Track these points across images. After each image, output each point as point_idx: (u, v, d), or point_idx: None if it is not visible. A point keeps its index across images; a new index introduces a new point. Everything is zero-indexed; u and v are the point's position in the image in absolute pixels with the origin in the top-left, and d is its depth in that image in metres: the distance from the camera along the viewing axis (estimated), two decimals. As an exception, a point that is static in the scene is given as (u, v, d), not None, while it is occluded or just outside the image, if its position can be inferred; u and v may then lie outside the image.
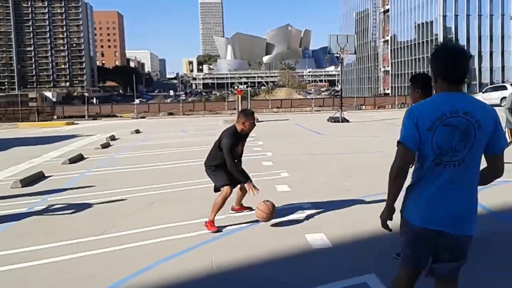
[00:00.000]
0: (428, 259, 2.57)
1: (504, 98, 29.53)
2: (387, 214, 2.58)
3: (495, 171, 2.53)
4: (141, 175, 9.27)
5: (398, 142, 2.47)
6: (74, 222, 6.00)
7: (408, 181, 2.55)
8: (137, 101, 74.90)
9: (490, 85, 43.26)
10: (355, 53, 23.56)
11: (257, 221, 5.53)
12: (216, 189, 5.63)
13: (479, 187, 2.52)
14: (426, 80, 4.30)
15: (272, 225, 5.46)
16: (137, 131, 19.29)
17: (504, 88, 31.21)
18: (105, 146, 14.17)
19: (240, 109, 23.79)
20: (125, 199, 7.06)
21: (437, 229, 2.45)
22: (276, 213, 5.52)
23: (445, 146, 2.39)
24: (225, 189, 5.45)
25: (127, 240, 5.13)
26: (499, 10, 59.08)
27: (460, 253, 2.53)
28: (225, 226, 5.49)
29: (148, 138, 16.73)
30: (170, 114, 36.11)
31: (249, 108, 25.61)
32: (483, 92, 32.94)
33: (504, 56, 60.16)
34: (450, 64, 2.39)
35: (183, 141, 15.50)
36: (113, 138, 16.40)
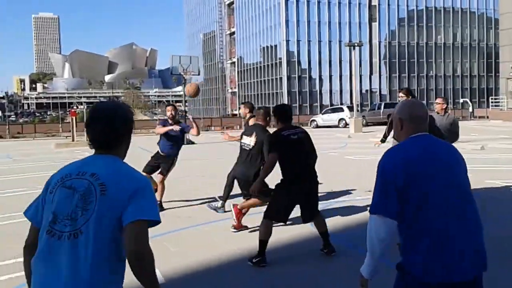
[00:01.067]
0: None
1: (341, 119, 32.82)
2: None
3: (126, 247, 1.81)
4: None
5: None
6: None
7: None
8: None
9: (330, 107, 47.02)
10: (199, 74, 23.77)
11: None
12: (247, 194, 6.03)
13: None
14: (282, 110, 5.02)
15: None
16: (-50, 158, 16.82)
17: (342, 110, 34.46)
18: None
19: (77, 129, 22.26)
20: None
21: None
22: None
23: (60, 212, 1.87)
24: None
25: None
26: (337, 37, 64.55)
27: None
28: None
29: (-37, 166, 14.61)
30: (-1, 137, 32.18)
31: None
32: (323, 114, 35.28)
33: (342, 79, 65.46)
34: (87, 127, 2.03)
35: (6, 168, 13.82)
36: None
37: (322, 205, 7.50)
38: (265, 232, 4.76)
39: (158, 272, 2.03)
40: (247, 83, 73.36)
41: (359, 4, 66.04)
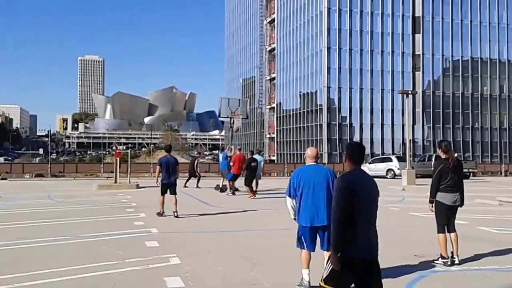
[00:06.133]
0: None
1: (390, 169, 31.18)
2: None
3: None
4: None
5: None
6: None
7: None
8: (0, 159, 67.45)
9: (371, 156, 45.52)
10: (247, 117, 23.03)
11: None
12: None
13: None
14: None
15: None
16: (-8, 197, 16.36)
17: (390, 160, 32.53)
18: None
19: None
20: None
21: None
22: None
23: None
24: None
25: None
26: (379, 85, 63.66)
27: None
28: None
29: (4, 206, 13.98)
30: (39, 175, 32.20)
31: (128, 170, 23.57)
32: (370, 163, 33.46)
33: (384, 128, 64.13)
34: None
35: (49, 211, 13.06)
36: (-43, 206, 13.59)
37: (410, 279, 6.11)
38: None
39: None
40: (286, 128, 72.70)
41: (403, 53, 65.34)
